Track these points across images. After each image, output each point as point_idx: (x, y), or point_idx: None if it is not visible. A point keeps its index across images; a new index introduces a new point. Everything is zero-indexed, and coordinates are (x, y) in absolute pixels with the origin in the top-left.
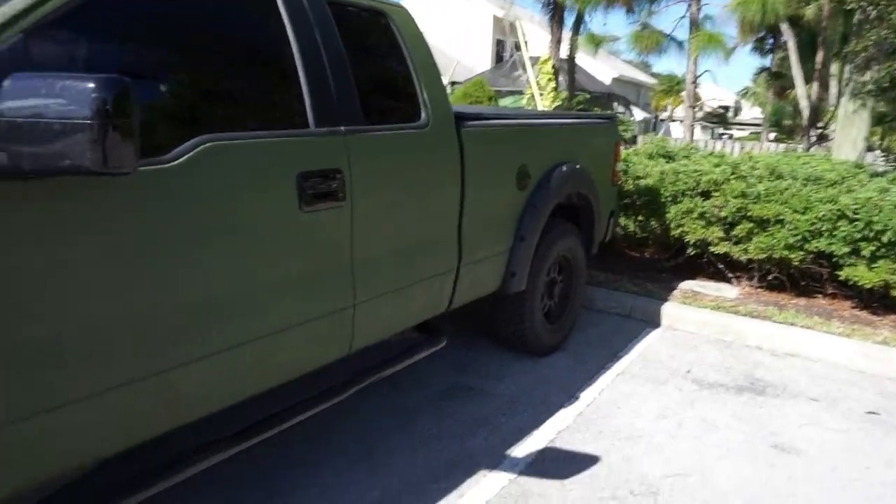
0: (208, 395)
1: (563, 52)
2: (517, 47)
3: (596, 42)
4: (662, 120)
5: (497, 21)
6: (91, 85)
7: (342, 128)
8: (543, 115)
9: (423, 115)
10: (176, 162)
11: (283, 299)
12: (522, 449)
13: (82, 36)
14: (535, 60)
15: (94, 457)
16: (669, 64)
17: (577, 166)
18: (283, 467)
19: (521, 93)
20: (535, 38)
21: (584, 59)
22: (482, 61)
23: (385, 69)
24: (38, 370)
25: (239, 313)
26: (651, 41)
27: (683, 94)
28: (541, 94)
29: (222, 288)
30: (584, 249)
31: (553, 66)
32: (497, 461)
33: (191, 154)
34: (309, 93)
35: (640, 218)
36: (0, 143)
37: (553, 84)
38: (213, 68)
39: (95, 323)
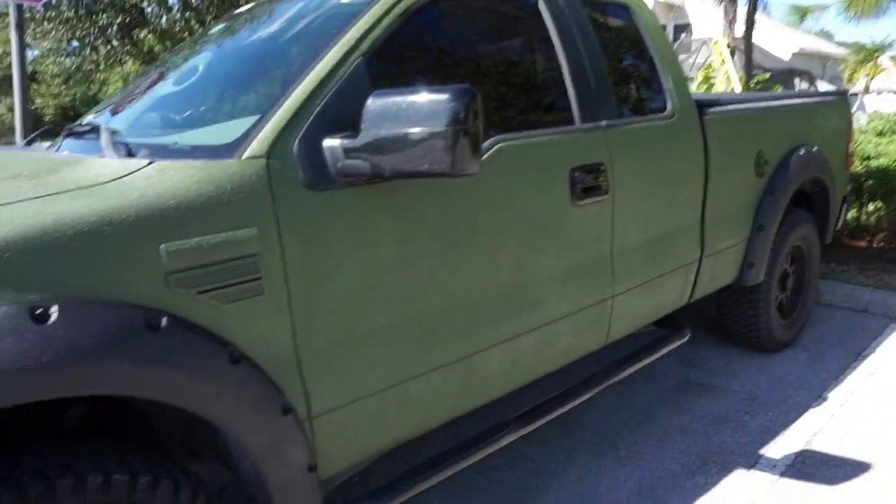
0: (498, 380)
1: (738, 31)
2: (679, 30)
3: (802, 13)
4: (854, 94)
5: (658, 4)
6: (447, 96)
7: (603, 122)
8: (775, 96)
9: (668, 105)
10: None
11: (557, 290)
12: (777, 450)
13: (402, 53)
14: (702, 42)
15: (415, 434)
16: (869, 30)
17: (814, 149)
18: (540, 451)
19: (689, 78)
20: (700, 17)
21: (759, 36)
22: None
23: (632, 62)
24: (380, 351)
25: (523, 303)
26: (869, 3)
27: (885, 61)
28: (713, 77)
29: (510, 279)
30: (818, 238)
31: (729, 46)
32: (752, 460)
33: (488, 153)
34: (574, 91)
35: (873, 203)
36: (364, 154)
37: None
38: (499, 75)
39: (424, 309)
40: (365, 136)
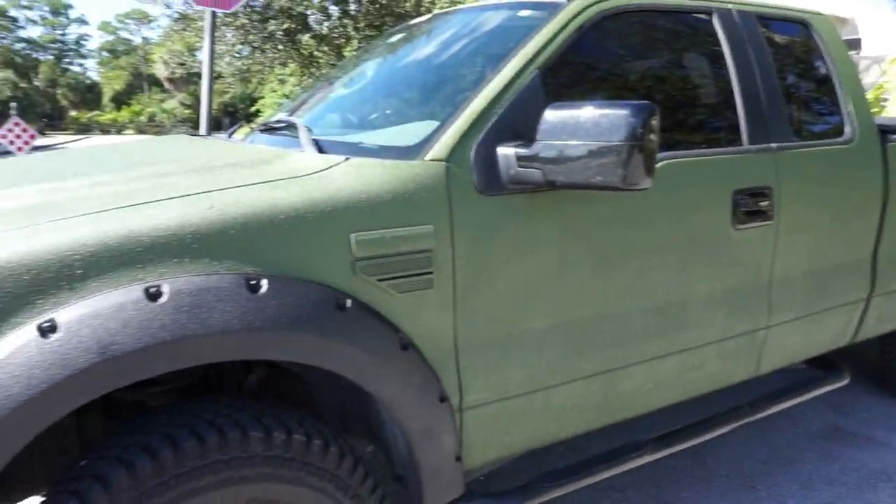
0: (639, 398)
1: None
2: (849, 46)
3: None
4: None
5: None
6: (627, 111)
7: (773, 145)
8: None
9: (847, 129)
10: None
11: (709, 314)
12: None
13: (576, 67)
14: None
15: (553, 439)
16: None
17: None
18: (670, 479)
19: None
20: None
21: None
22: None
23: (809, 81)
24: (531, 354)
25: (673, 323)
26: None
27: None
28: (886, 98)
29: (662, 297)
30: None
31: None
32: None
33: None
34: (743, 110)
35: None
36: (537, 163)
37: None
38: (668, 91)
39: (576, 318)
40: (539, 146)
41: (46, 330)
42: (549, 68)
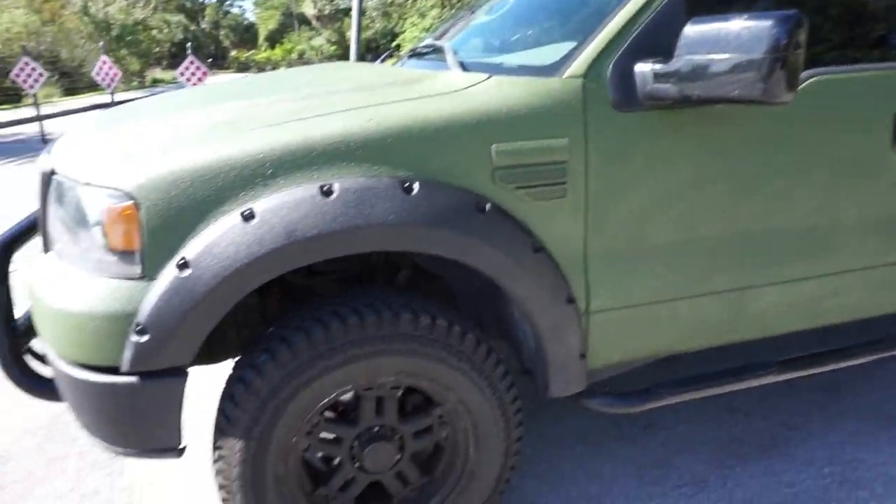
0: (771, 319)
1: None
2: None
3: None
4: None
5: None
6: (770, 22)
7: None
8: None
9: None
10: None
11: (857, 240)
12: None
13: None
14: None
15: (676, 350)
16: None
17: None
18: (800, 410)
19: None
20: None
21: None
22: None
23: None
24: (659, 266)
25: (815, 247)
26: None
27: None
28: None
29: (805, 220)
30: None
31: None
32: None
33: (802, 86)
34: None
35: None
36: (674, 78)
37: None
38: (822, 3)
39: (709, 234)
40: (678, 62)
41: (247, 217)
42: None
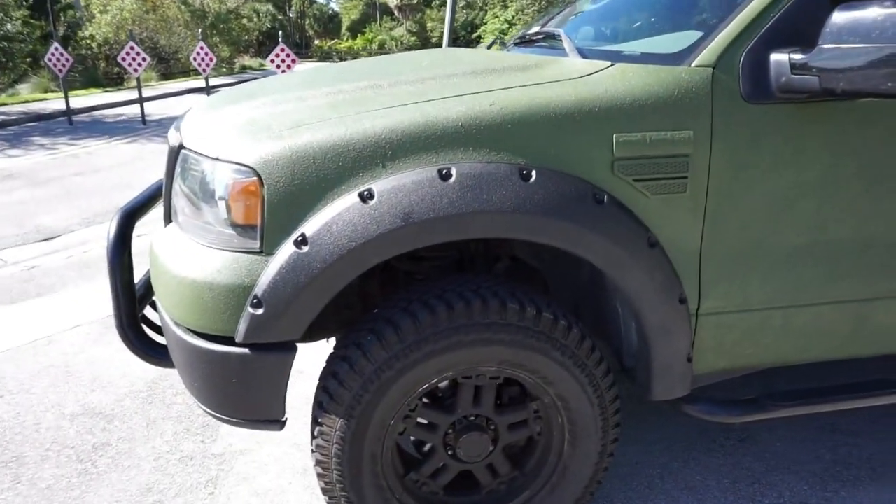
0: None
1: None
2: None
3: None
4: None
5: None
6: None
7: None
8: None
9: None
10: None
11: None
12: None
13: None
14: None
15: (787, 362)
16: None
17: None
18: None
19: None
20: None
21: None
22: None
23: None
24: (778, 271)
25: None
26: None
27: None
28: None
29: None
30: None
31: None
32: None
33: None
34: None
35: None
36: (815, 69)
37: None
38: None
39: (835, 239)
40: (822, 52)
41: (366, 197)
42: None
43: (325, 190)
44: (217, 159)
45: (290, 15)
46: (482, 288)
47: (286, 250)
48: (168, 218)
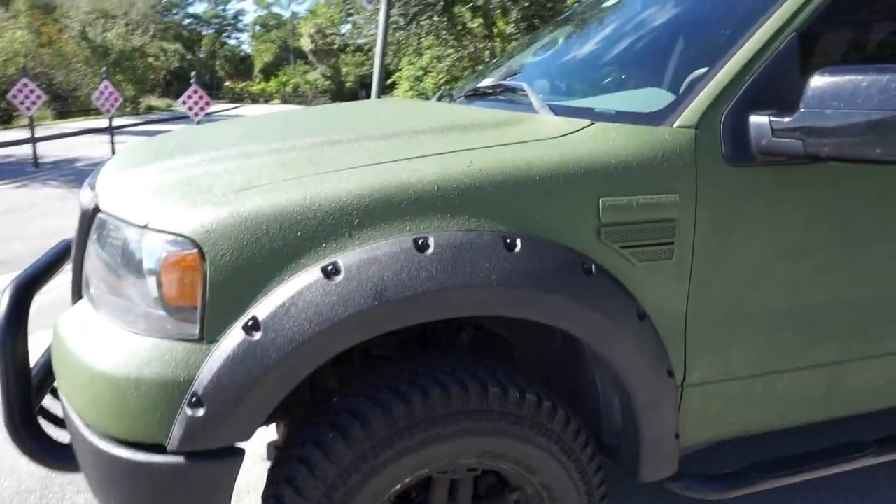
0: (869, 395)
1: None
2: None
3: None
4: None
5: None
6: None
7: None
8: None
9: None
10: None
11: None
12: None
13: (837, 29)
14: None
15: (770, 427)
16: None
17: None
18: (877, 490)
19: None
20: None
21: None
22: None
23: None
24: (759, 336)
25: None
26: None
27: None
28: None
29: None
30: None
31: None
32: None
33: None
34: None
35: None
36: (798, 133)
37: None
38: None
39: (812, 303)
40: (804, 116)
41: (331, 272)
42: (807, 31)
43: (280, 264)
44: (146, 227)
45: (200, 55)
46: (458, 370)
47: (233, 337)
48: (77, 293)
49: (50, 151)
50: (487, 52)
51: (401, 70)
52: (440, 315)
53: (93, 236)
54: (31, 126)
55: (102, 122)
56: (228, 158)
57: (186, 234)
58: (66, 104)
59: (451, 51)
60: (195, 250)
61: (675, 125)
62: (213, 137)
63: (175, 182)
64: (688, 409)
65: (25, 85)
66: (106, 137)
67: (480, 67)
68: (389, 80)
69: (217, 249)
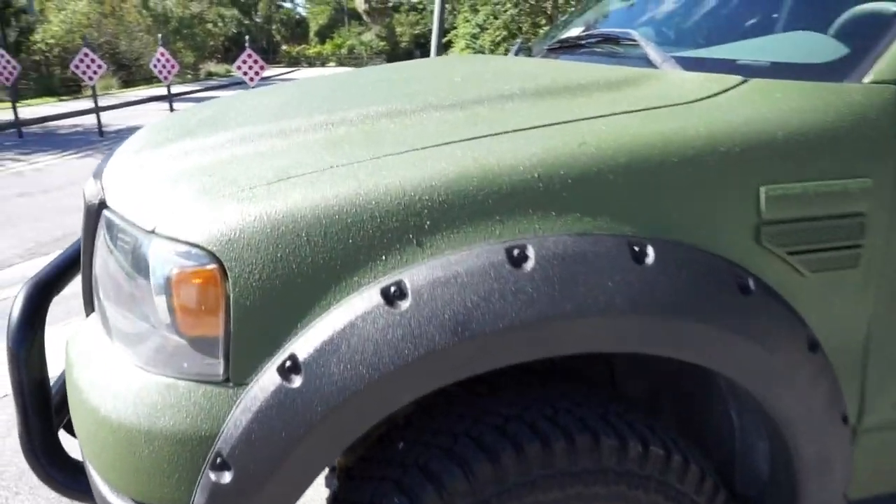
0: None
1: None
2: None
3: None
4: None
5: None
6: None
7: None
8: None
9: None
10: None
11: None
12: None
13: None
14: None
15: None
16: None
17: None
18: None
19: None
20: None
21: None
22: None
23: None
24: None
25: None
26: None
27: None
28: None
29: None
30: None
31: None
32: None
33: None
34: None
35: None
36: None
37: None
38: None
39: None
40: None
41: (394, 296)
42: None
43: (326, 284)
44: (153, 233)
45: (257, 20)
46: (558, 411)
47: (267, 381)
48: (90, 304)
49: (114, 120)
50: (548, 4)
51: (456, 28)
52: (543, 353)
53: (99, 239)
54: (94, 96)
55: (164, 90)
56: (261, 137)
57: (202, 243)
58: (131, 73)
59: (509, 5)
60: (214, 265)
61: (867, 80)
62: (247, 109)
63: (191, 171)
64: (860, 460)
65: (87, 55)
66: (167, 105)
67: (543, 21)
68: (445, 39)
69: (242, 264)
